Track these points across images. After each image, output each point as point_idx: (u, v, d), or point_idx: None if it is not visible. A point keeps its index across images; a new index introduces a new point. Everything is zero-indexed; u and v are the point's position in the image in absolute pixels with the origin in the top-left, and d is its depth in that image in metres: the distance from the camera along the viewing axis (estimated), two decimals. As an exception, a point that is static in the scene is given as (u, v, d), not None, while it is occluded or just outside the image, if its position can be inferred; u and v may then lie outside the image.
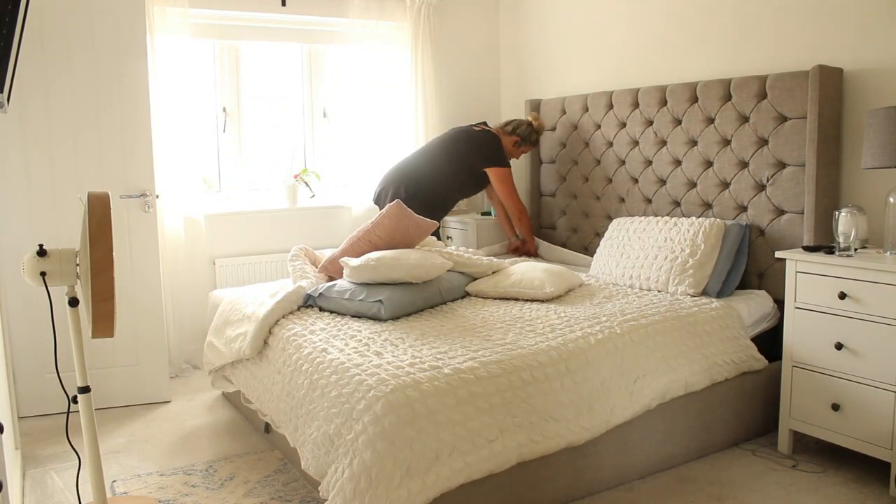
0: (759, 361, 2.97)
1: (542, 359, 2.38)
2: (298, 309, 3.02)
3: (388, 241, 3.20)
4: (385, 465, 1.99)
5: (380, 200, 4.08)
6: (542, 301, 3.10)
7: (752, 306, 3.10)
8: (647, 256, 3.35)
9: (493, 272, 3.35)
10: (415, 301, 2.95)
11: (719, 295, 3.15)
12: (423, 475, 2.02)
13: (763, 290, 3.23)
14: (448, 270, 3.22)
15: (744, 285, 3.32)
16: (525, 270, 3.24)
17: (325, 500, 2.12)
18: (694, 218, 3.36)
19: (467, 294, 3.27)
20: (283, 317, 2.93)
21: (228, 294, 3.48)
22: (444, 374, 2.21)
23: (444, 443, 2.09)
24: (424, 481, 2.02)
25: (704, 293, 3.16)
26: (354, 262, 2.96)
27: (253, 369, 2.91)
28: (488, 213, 4.68)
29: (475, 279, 3.34)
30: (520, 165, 4.81)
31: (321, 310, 3.00)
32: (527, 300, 3.13)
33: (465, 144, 4.08)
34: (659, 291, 3.22)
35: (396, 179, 4.04)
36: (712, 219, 3.28)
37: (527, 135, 4.17)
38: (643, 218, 3.57)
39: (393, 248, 3.17)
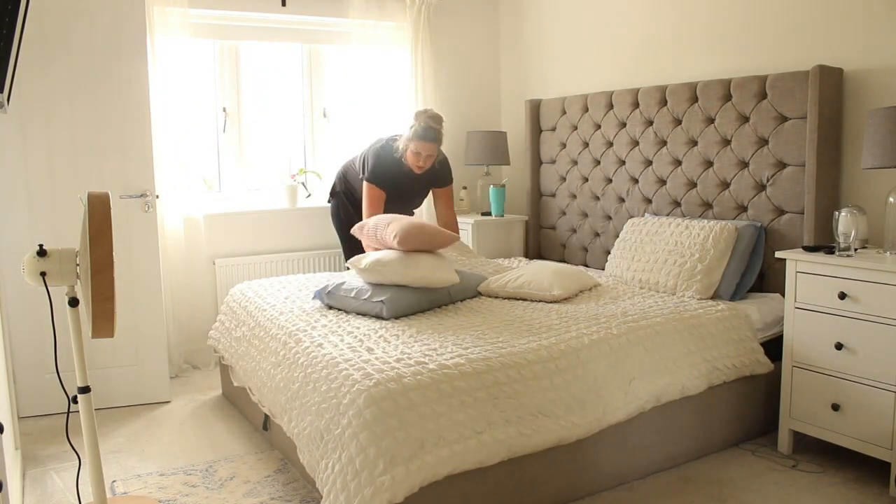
0: (763, 366, 2.94)
1: (529, 357, 2.40)
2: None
3: (408, 249, 3.10)
4: (368, 454, 2.03)
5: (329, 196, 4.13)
6: (549, 302, 3.10)
7: (765, 309, 3.08)
8: (657, 260, 3.35)
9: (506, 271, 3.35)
10: (419, 302, 2.95)
11: (732, 298, 3.14)
12: (408, 462, 2.05)
13: (778, 294, 3.18)
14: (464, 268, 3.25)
15: (761, 288, 3.31)
16: (536, 272, 3.24)
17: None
18: (706, 221, 3.33)
19: (479, 294, 3.28)
20: (292, 311, 3.03)
21: (253, 286, 3.56)
22: (429, 369, 2.25)
23: (428, 433, 2.12)
24: (409, 468, 2.04)
25: (716, 297, 3.15)
26: (364, 262, 2.98)
27: (259, 360, 2.93)
28: (488, 214, 4.69)
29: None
30: (520, 165, 4.81)
31: (329, 308, 3.04)
32: (535, 301, 3.13)
33: (371, 143, 3.88)
34: (671, 295, 3.21)
35: (337, 173, 4.12)
36: (724, 222, 3.26)
37: (408, 131, 3.59)
38: (656, 218, 3.56)
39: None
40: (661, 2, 3.86)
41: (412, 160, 3.61)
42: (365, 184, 3.71)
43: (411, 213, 3.99)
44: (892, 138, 2.56)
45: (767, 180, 3.26)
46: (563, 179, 4.38)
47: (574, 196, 4.31)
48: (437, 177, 3.86)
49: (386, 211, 3.74)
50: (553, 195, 4.48)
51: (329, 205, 4.16)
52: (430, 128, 3.52)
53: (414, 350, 2.41)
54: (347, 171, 4.03)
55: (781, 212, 3.23)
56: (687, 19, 3.72)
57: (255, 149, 4.54)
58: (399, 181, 3.71)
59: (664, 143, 3.73)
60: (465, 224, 4.53)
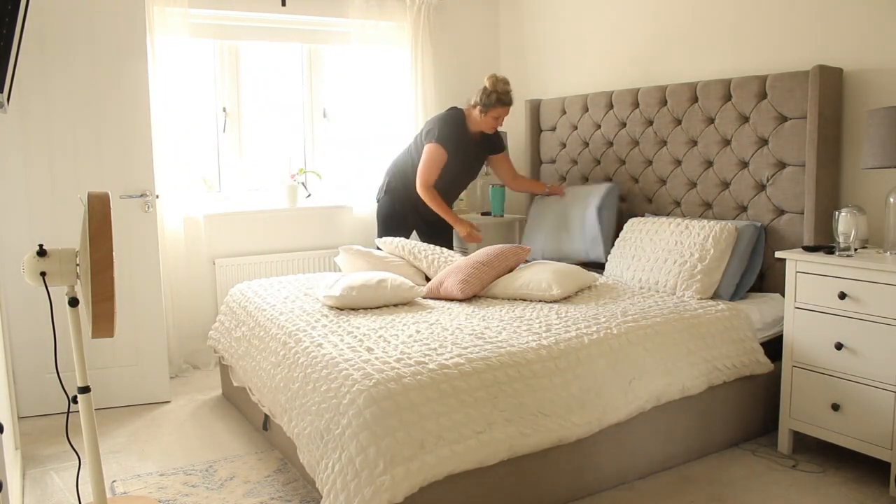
0: (763, 365, 2.94)
1: (529, 356, 2.40)
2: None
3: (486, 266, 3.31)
4: (368, 454, 2.03)
5: (379, 192, 4.14)
6: (549, 302, 3.11)
7: (765, 310, 3.08)
8: (657, 259, 3.34)
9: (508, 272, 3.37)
10: None
11: (732, 298, 3.14)
12: (408, 462, 2.05)
13: (778, 294, 3.18)
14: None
15: (760, 288, 3.31)
16: (535, 272, 3.24)
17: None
18: (706, 221, 3.32)
19: (477, 295, 3.28)
20: (292, 311, 3.02)
21: (253, 286, 3.57)
22: (429, 368, 2.25)
23: (428, 432, 2.12)
24: (409, 468, 2.04)
25: (716, 297, 3.15)
26: (336, 292, 3.00)
27: (259, 360, 2.93)
28: (488, 213, 4.68)
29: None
30: (519, 165, 4.81)
31: (330, 308, 3.04)
32: (535, 301, 3.14)
33: (423, 126, 4.05)
34: (671, 295, 3.20)
35: (388, 171, 4.14)
36: (724, 222, 3.25)
37: (484, 99, 3.80)
38: (656, 218, 3.55)
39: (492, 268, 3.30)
40: (661, 2, 3.86)
41: (491, 124, 3.88)
42: (431, 145, 3.82)
43: (465, 187, 4.21)
44: (892, 138, 2.56)
45: (767, 180, 3.26)
46: (564, 179, 4.38)
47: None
48: (495, 143, 4.08)
49: (446, 181, 3.89)
50: (553, 195, 4.48)
51: (378, 201, 4.12)
52: (509, 92, 3.83)
53: (414, 350, 2.41)
54: (405, 166, 4.01)
55: (781, 212, 3.23)
56: (687, 19, 3.72)
57: (255, 149, 4.54)
58: (464, 147, 3.90)
59: (664, 143, 3.73)
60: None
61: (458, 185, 4.10)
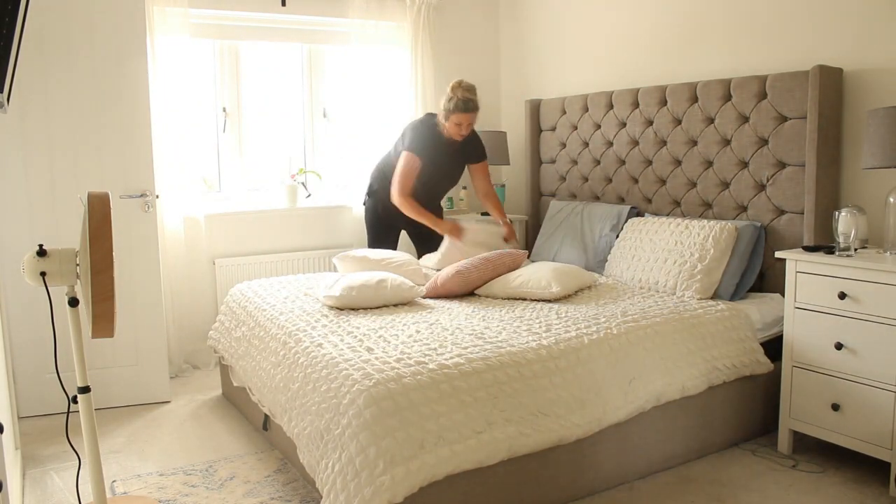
0: (763, 365, 2.94)
1: (529, 356, 2.41)
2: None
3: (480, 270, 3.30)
4: (368, 454, 2.03)
5: (364, 196, 4.13)
6: (549, 301, 3.11)
7: (765, 309, 3.08)
8: (657, 259, 3.35)
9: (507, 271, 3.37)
10: None
11: (732, 298, 3.14)
12: (408, 462, 2.05)
13: (778, 294, 3.18)
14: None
15: (760, 288, 3.31)
16: (534, 270, 3.24)
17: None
18: (706, 221, 3.32)
19: (476, 294, 3.29)
20: (292, 311, 3.02)
21: (253, 286, 3.57)
22: (429, 368, 2.26)
23: (428, 432, 2.12)
24: (409, 468, 2.04)
25: (716, 297, 3.15)
26: (335, 292, 3.00)
27: (259, 360, 2.93)
28: (487, 214, 4.68)
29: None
30: (520, 165, 4.82)
31: (330, 308, 3.04)
32: (534, 300, 3.14)
33: (402, 131, 4.02)
34: (671, 295, 3.20)
35: (371, 174, 4.11)
36: (724, 222, 3.26)
37: (446, 104, 3.68)
38: (656, 218, 3.56)
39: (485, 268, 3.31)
40: (660, 2, 3.86)
41: (454, 130, 3.75)
42: (405, 153, 3.78)
43: (445, 192, 4.12)
44: (892, 138, 2.56)
45: (767, 180, 3.26)
46: (563, 179, 4.39)
47: (574, 196, 4.31)
48: (473, 150, 3.97)
49: (423, 185, 3.83)
50: (553, 195, 4.48)
51: (364, 205, 4.13)
52: (469, 99, 3.68)
53: (414, 350, 2.41)
54: (385, 169, 3.99)
55: (781, 212, 3.23)
56: (687, 19, 3.72)
57: (255, 149, 4.54)
58: (437, 152, 3.81)
59: (664, 143, 3.73)
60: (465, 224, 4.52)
61: (437, 190, 4.01)
